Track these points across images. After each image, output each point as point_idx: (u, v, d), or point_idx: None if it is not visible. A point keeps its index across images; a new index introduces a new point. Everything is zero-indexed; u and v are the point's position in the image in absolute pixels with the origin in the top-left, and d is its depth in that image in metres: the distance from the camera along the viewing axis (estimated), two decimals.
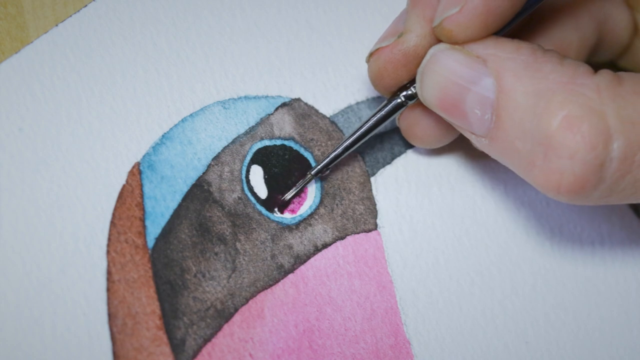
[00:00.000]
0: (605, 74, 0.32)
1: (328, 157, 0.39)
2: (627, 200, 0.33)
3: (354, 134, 0.39)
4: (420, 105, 0.38)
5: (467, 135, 0.35)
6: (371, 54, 0.38)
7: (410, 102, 0.38)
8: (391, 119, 0.38)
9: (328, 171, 0.40)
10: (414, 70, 0.37)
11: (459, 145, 0.42)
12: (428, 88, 0.35)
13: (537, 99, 0.32)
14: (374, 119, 0.38)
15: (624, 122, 0.31)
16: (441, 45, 0.35)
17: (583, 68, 0.32)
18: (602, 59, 0.42)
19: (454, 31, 0.34)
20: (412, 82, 0.37)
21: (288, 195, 0.39)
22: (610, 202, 0.33)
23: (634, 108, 0.32)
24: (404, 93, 0.38)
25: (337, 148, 0.39)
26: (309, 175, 0.39)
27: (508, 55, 0.33)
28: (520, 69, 0.33)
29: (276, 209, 0.39)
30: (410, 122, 0.39)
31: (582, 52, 0.40)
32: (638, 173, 0.32)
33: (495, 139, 0.34)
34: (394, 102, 0.38)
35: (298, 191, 0.39)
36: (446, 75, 0.34)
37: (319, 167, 0.39)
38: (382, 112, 0.38)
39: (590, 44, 0.40)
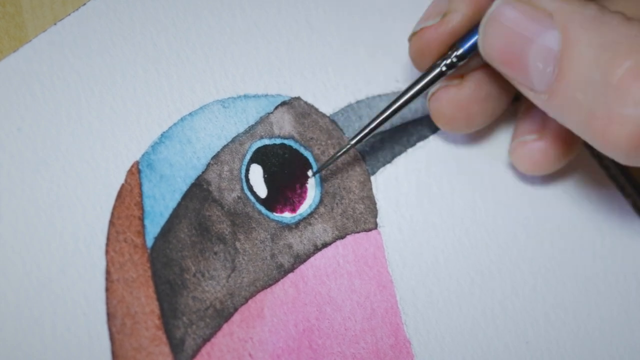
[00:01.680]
0: None
1: (369, 126, 0.39)
2: None
3: (393, 103, 0.38)
4: (453, 86, 0.38)
5: (524, 92, 0.35)
6: (415, 33, 0.38)
7: (450, 72, 0.38)
8: (428, 89, 0.38)
9: (365, 139, 0.39)
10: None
11: (460, 144, 0.42)
12: (490, 39, 0.35)
13: (603, 50, 0.32)
14: (415, 88, 0.38)
15: None
16: None
17: None
18: None
19: None
20: (453, 50, 0.37)
21: (322, 167, 0.39)
22: None
23: None
24: (445, 62, 0.38)
25: (377, 118, 0.38)
26: (349, 144, 0.39)
27: (575, 9, 0.33)
28: (587, 22, 0.32)
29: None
30: (441, 102, 0.39)
31: None
32: None
33: (556, 93, 0.33)
34: (435, 71, 0.38)
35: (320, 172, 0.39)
36: (510, 26, 0.34)
37: (359, 136, 0.39)
38: (424, 81, 0.38)
39: None
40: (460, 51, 0.37)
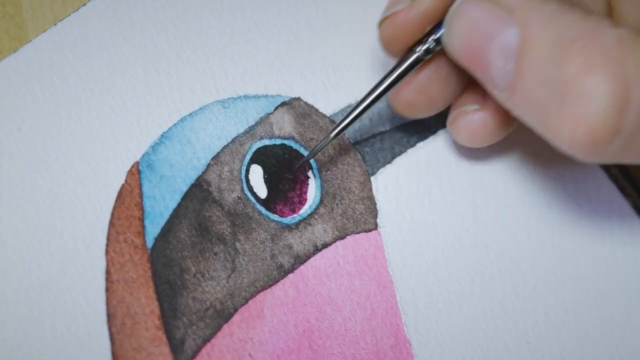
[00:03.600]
0: (626, 28, 0.32)
1: (350, 115, 0.38)
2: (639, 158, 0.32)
3: (372, 90, 0.38)
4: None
5: (489, 89, 0.35)
6: (385, 19, 0.38)
7: (428, 56, 0.37)
8: (409, 74, 0.38)
9: (347, 127, 0.38)
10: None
11: (460, 144, 0.42)
12: (454, 36, 0.35)
13: (558, 46, 0.31)
14: (394, 74, 0.37)
15: None
16: None
17: (606, 21, 0.32)
18: None
19: None
20: (428, 35, 0.37)
21: (304, 160, 0.39)
22: (625, 158, 0.32)
23: None
24: (423, 47, 0.37)
25: (357, 107, 0.38)
26: (331, 136, 0.38)
27: (535, 6, 0.33)
28: (545, 19, 0.32)
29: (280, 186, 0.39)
30: (401, 88, 0.38)
31: None
32: None
33: (515, 90, 0.33)
34: (413, 57, 0.37)
35: (294, 183, 0.39)
36: (472, 23, 0.34)
37: (340, 127, 0.38)
38: (402, 68, 0.37)
39: None
40: (438, 35, 0.36)
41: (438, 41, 0.37)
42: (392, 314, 0.39)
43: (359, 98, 0.42)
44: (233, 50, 0.41)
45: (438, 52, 0.37)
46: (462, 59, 0.35)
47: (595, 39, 0.31)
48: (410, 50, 0.37)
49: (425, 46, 0.37)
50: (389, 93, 0.39)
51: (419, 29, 0.37)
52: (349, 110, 0.41)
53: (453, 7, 0.35)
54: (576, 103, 0.31)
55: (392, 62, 0.43)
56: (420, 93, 0.38)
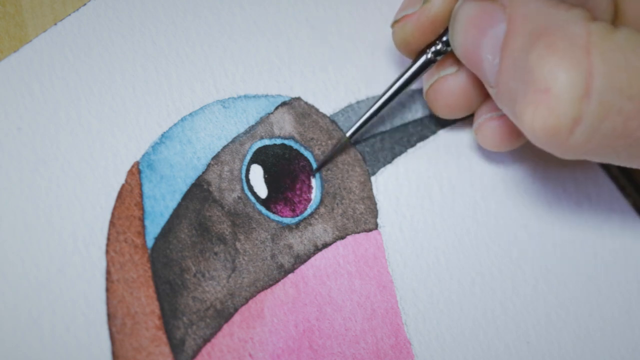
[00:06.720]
0: (601, 22, 0.31)
1: (360, 119, 0.39)
2: (608, 155, 0.32)
3: (383, 94, 0.38)
4: (450, 76, 0.38)
5: (487, 88, 0.35)
6: (397, 22, 0.38)
7: (439, 58, 0.38)
8: (418, 79, 0.38)
9: (360, 131, 0.40)
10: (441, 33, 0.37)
11: (460, 144, 0.42)
12: (454, 34, 0.35)
13: (530, 36, 0.31)
14: (405, 76, 0.38)
15: (609, 65, 0.30)
16: None
17: (585, 14, 0.31)
18: None
19: None
20: (440, 37, 0.37)
21: (320, 165, 0.39)
22: (589, 154, 0.32)
23: (623, 55, 0.30)
24: (432, 49, 0.38)
25: (369, 110, 0.39)
26: (343, 140, 0.39)
27: (525, 1, 0.33)
28: (530, 11, 0.32)
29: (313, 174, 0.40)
30: (441, 93, 0.39)
31: None
32: (616, 121, 0.30)
33: (499, 84, 0.33)
34: (423, 59, 0.38)
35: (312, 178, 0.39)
36: (468, 20, 0.34)
37: (352, 130, 0.39)
38: (412, 69, 0.38)
39: None
40: (445, 38, 0.37)
41: (448, 43, 0.37)
42: (393, 314, 0.39)
43: (360, 98, 0.42)
44: (233, 50, 0.41)
45: None
46: (462, 57, 0.36)
47: (565, 28, 0.31)
48: (424, 51, 0.38)
49: (435, 48, 0.37)
50: (427, 97, 0.40)
51: (430, 32, 0.37)
52: (349, 110, 0.41)
53: (455, 7, 0.35)
54: (536, 88, 0.30)
55: (392, 62, 0.43)
56: (460, 96, 0.39)
